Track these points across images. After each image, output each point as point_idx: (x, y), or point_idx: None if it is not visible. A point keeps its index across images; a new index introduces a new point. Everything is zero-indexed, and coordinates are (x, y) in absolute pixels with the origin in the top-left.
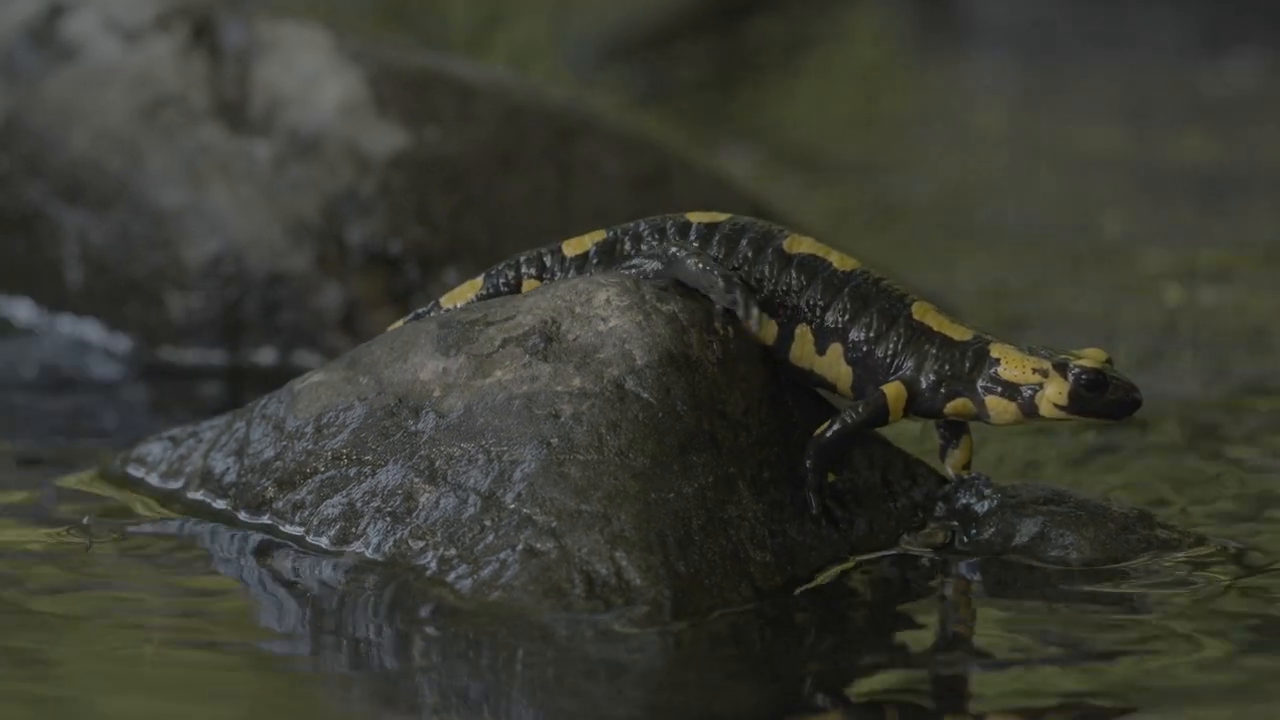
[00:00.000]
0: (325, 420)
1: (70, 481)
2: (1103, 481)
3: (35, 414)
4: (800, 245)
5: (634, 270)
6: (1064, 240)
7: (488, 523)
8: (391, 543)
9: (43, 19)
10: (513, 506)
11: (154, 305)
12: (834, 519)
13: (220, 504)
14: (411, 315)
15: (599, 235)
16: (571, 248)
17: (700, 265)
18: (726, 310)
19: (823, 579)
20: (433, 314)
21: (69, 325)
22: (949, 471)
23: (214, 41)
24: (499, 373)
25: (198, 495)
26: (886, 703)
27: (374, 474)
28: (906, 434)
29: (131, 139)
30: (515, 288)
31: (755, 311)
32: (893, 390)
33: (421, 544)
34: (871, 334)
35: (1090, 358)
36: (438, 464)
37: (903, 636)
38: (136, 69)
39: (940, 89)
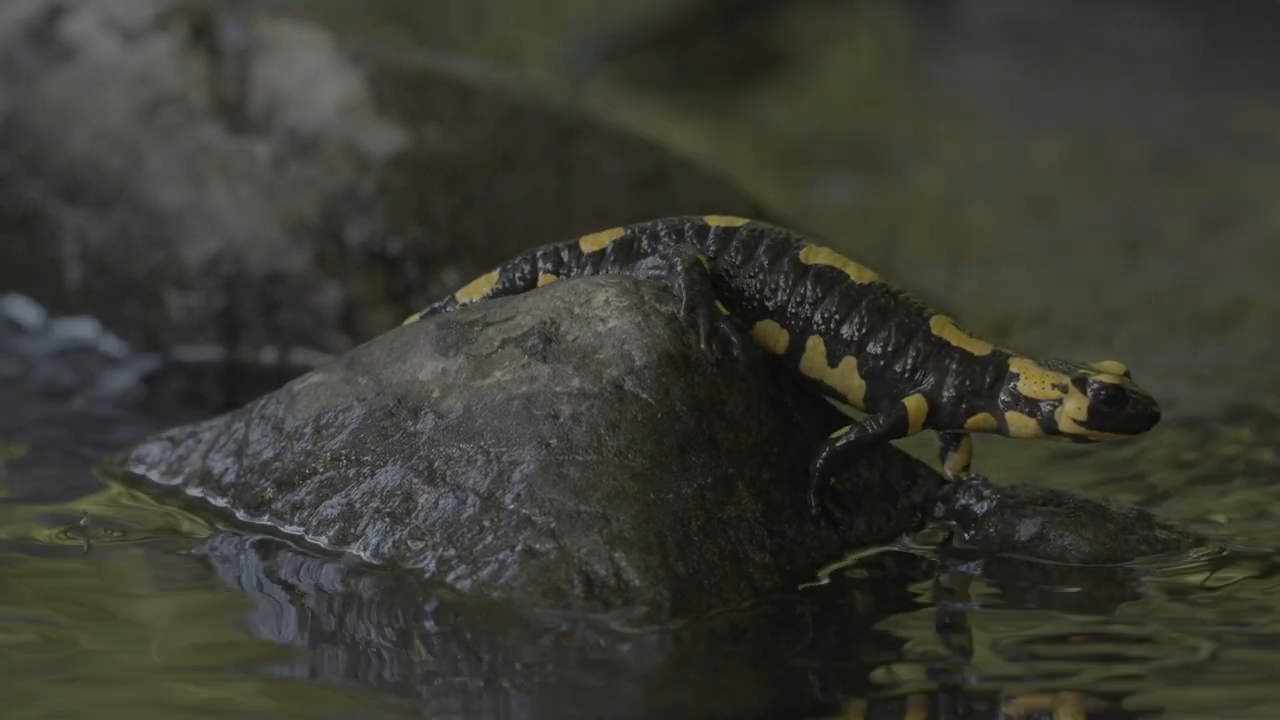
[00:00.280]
0: (324, 421)
1: (69, 482)
2: (1101, 482)
3: (34, 414)
4: (817, 256)
5: (654, 271)
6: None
7: (487, 523)
8: (390, 543)
9: (42, 19)
10: (512, 507)
11: (153, 305)
12: (833, 520)
13: (219, 504)
14: (428, 309)
15: (617, 233)
16: (589, 244)
17: (684, 282)
18: (691, 321)
19: (822, 579)
20: (449, 308)
21: (68, 325)
22: (948, 473)
23: (213, 41)
24: (498, 373)
25: (196, 495)
26: (885, 702)
27: (373, 475)
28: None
29: (131, 139)
30: (531, 283)
31: (713, 346)
32: (914, 404)
33: (420, 545)
34: (889, 348)
35: (1109, 371)
36: (437, 465)
37: (901, 636)
38: (136, 69)
39: (938, 90)
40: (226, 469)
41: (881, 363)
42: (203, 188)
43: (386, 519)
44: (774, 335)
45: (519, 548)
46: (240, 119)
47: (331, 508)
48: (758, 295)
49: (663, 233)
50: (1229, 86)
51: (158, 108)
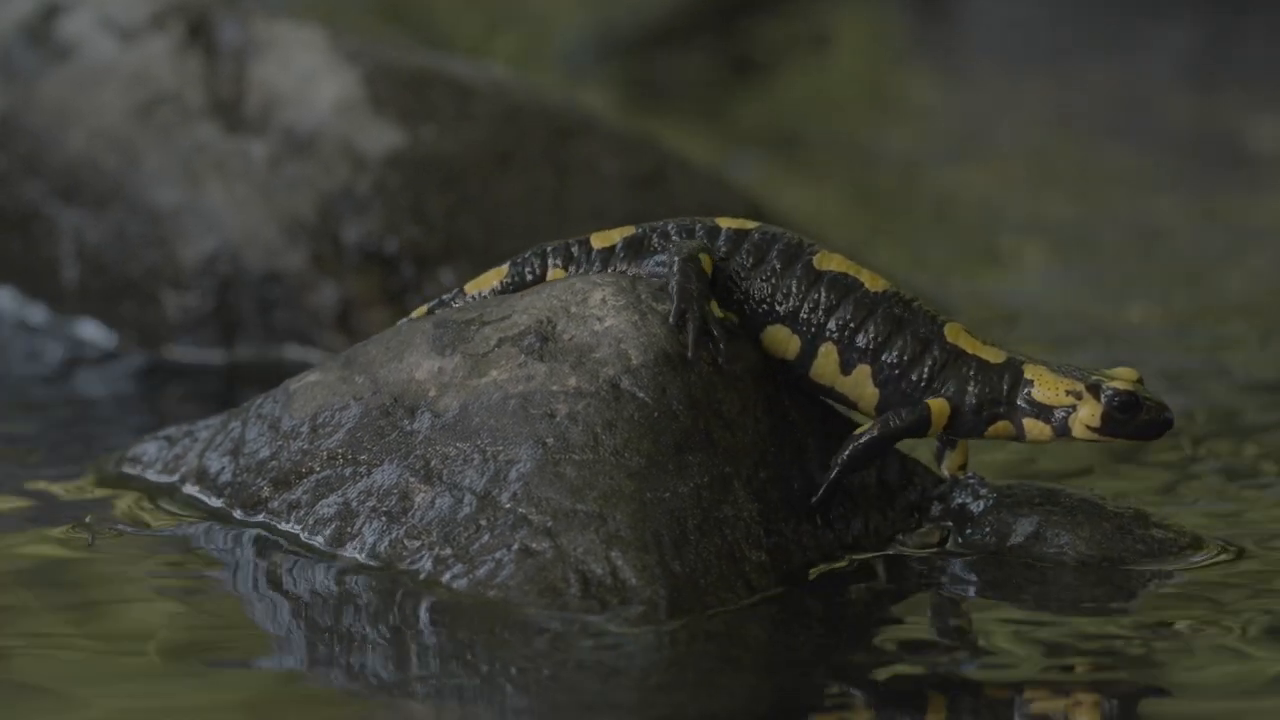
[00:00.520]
0: (321, 420)
1: (65, 481)
2: (1098, 481)
3: (30, 412)
4: (830, 262)
5: (658, 269)
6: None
7: (483, 522)
8: (387, 542)
9: (39, 18)
10: (508, 506)
11: (150, 304)
12: (828, 519)
13: (215, 503)
14: (435, 302)
15: (628, 231)
16: (600, 240)
17: (676, 284)
18: (679, 323)
19: (818, 578)
20: (456, 302)
21: (65, 324)
22: (944, 472)
23: (210, 40)
24: (495, 372)
25: (193, 494)
26: (882, 701)
27: (369, 474)
28: None
29: (127, 138)
30: (541, 277)
31: (701, 353)
32: (938, 405)
33: (417, 543)
34: (905, 357)
35: (1122, 378)
36: (433, 464)
37: (898, 635)
38: (132, 68)
39: (935, 89)
40: (223, 468)
41: (897, 371)
42: (199, 187)
43: (383, 518)
44: (784, 341)
45: (515, 547)
46: (237, 118)
47: (328, 507)
48: (768, 300)
49: (673, 232)
50: (1228, 84)
51: (154, 107)
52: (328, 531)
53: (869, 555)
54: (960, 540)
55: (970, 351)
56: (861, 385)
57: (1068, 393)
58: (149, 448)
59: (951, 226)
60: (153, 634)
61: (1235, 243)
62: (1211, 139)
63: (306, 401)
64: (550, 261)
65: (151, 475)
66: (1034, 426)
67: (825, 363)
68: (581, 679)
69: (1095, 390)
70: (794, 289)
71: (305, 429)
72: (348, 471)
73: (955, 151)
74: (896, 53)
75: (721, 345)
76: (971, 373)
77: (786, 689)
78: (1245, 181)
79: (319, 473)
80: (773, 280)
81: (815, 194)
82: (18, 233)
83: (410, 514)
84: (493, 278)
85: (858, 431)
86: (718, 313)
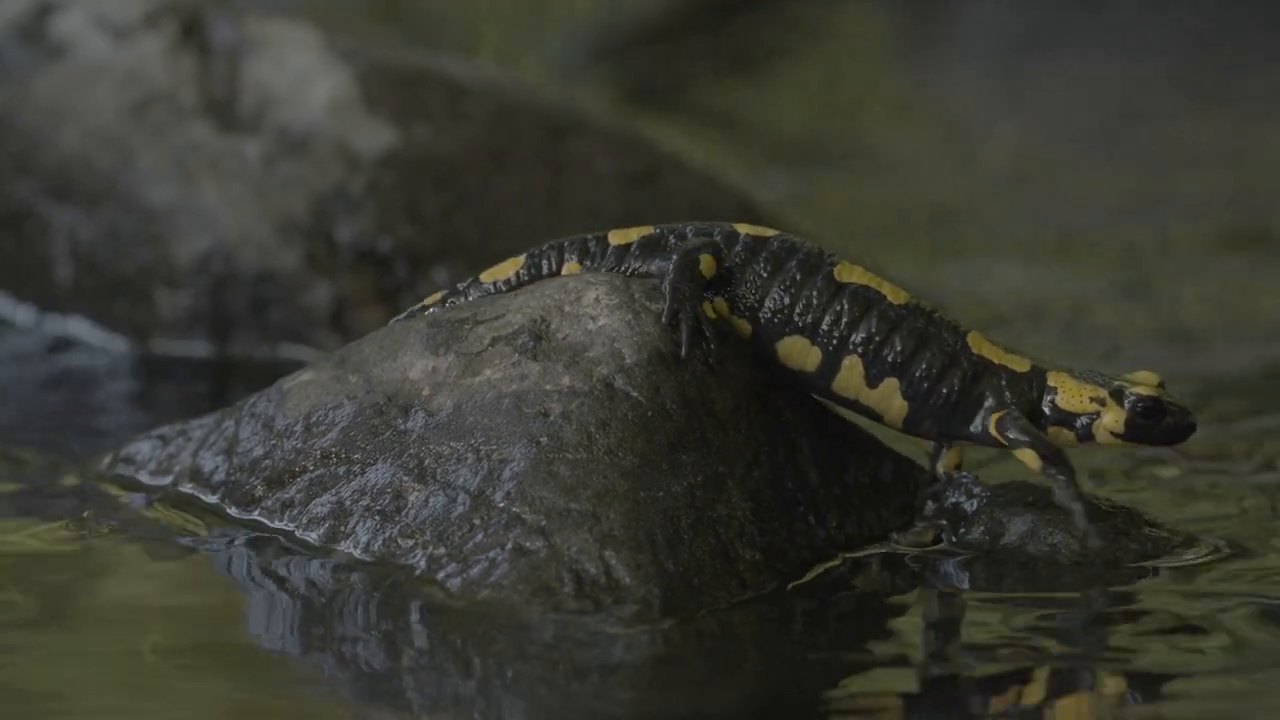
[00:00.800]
0: (314, 419)
1: (59, 480)
2: (1090, 481)
3: (24, 411)
4: (851, 274)
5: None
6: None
7: (477, 521)
8: (381, 541)
9: (32, 17)
10: (502, 505)
11: (143, 302)
12: (1098, 539)
13: (209, 502)
14: (448, 291)
15: (647, 231)
16: (617, 238)
17: (670, 285)
18: (671, 323)
19: (812, 577)
20: (471, 291)
21: (58, 322)
22: (939, 471)
23: (203, 39)
24: (488, 371)
25: (187, 493)
26: (876, 701)
27: (363, 472)
28: (895, 433)
29: (121, 137)
30: (556, 271)
31: (694, 352)
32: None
33: (411, 542)
34: (934, 370)
35: (1144, 383)
36: (427, 463)
37: (892, 635)
38: (126, 67)
39: (928, 89)
40: (217, 467)
41: (926, 385)
42: (193, 186)
43: (376, 517)
44: (803, 352)
45: (509, 546)
46: (230, 117)
47: (321, 506)
48: (786, 310)
49: (690, 234)
50: (1222, 83)
51: (148, 106)
52: (321, 530)
53: (863, 554)
54: (954, 539)
55: (997, 361)
56: (889, 398)
57: (1091, 399)
58: (143, 446)
59: (942, 224)
60: (147, 632)
61: (1231, 244)
62: (1209, 138)
63: (300, 400)
64: (567, 256)
65: (145, 474)
66: (1058, 433)
67: (849, 376)
68: (575, 678)
69: (1119, 396)
70: (814, 300)
71: (299, 428)
72: (341, 470)
73: (947, 149)
74: (890, 51)
75: (713, 346)
76: (1004, 383)
77: (780, 688)
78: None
79: (313, 472)
80: (791, 291)
81: (808, 191)
82: (11, 231)
83: (404, 513)
84: (509, 268)
85: (1055, 496)
86: (711, 314)
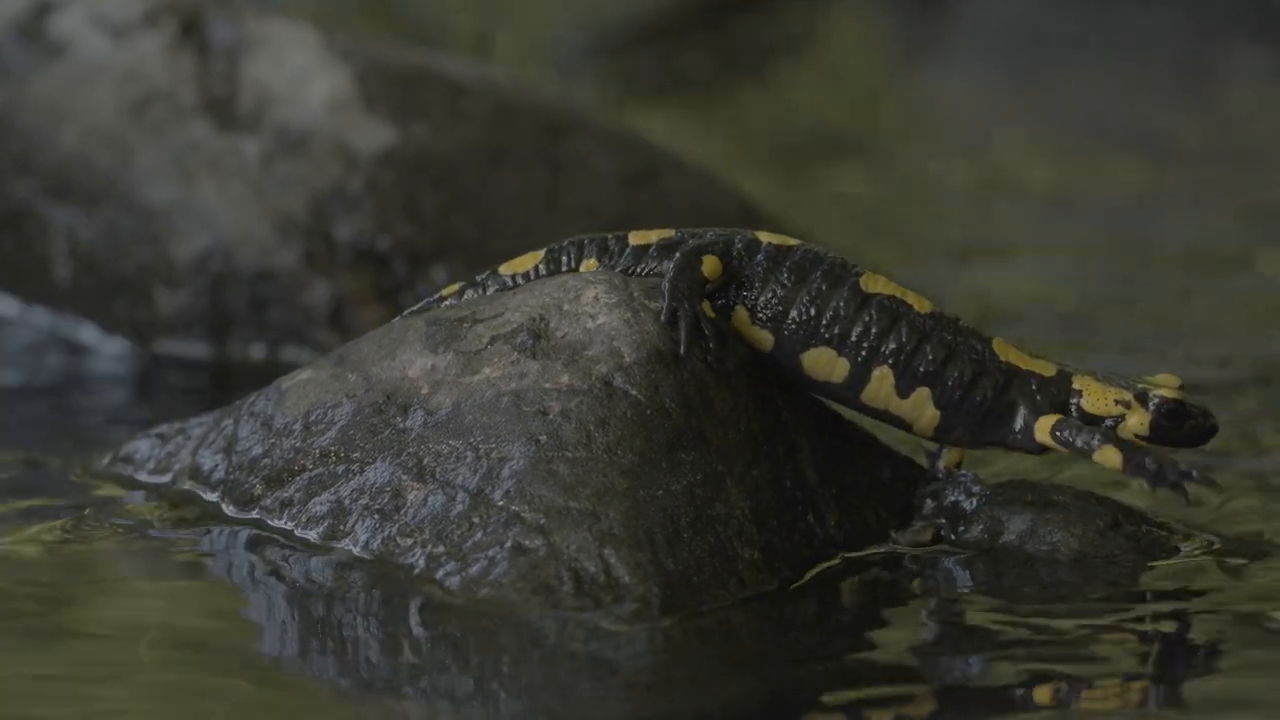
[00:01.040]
0: (313, 418)
1: (57, 478)
2: (1091, 478)
3: (23, 410)
4: (876, 284)
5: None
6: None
7: (476, 520)
8: (380, 540)
9: (31, 15)
10: (501, 504)
11: (142, 302)
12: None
13: (208, 500)
14: (466, 284)
15: (667, 233)
16: (637, 238)
17: (669, 283)
18: (670, 321)
19: (811, 576)
20: (489, 283)
21: (57, 322)
22: (940, 469)
23: (202, 38)
24: (487, 370)
25: (186, 492)
26: (875, 699)
27: (362, 471)
28: (894, 432)
29: (120, 136)
30: (575, 267)
31: (693, 350)
32: (1050, 420)
33: (410, 541)
34: (966, 378)
35: (1166, 385)
36: (426, 461)
37: (891, 633)
38: (125, 66)
39: (928, 88)
40: (215, 466)
41: (958, 394)
42: (192, 185)
43: (375, 516)
44: (829, 364)
45: (508, 544)
46: (229, 116)
47: (320, 504)
48: (812, 322)
49: (709, 238)
50: (1221, 78)
51: (147, 105)
52: (320, 529)
53: (862, 553)
54: (953, 538)
55: (1024, 367)
56: (921, 408)
57: (1116, 402)
58: (141, 445)
59: (943, 224)
60: (146, 630)
61: (1233, 234)
62: (1210, 134)
63: (299, 399)
64: (586, 253)
65: (144, 473)
66: None
67: (879, 386)
68: (574, 677)
69: (1143, 399)
70: (841, 311)
71: (298, 427)
72: (340, 469)
73: (948, 149)
74: (890, 50)
75: (712, 344)
76: (1034, 388)
77: (779, 686)
78: (1246, 180)
79: (311, 470)
80: (818, 302)
81: (809, 190)
82: (10, 231)
83: (403, 512)
84: (529, 261)
85: (1119, 469)
86: (711, 313)
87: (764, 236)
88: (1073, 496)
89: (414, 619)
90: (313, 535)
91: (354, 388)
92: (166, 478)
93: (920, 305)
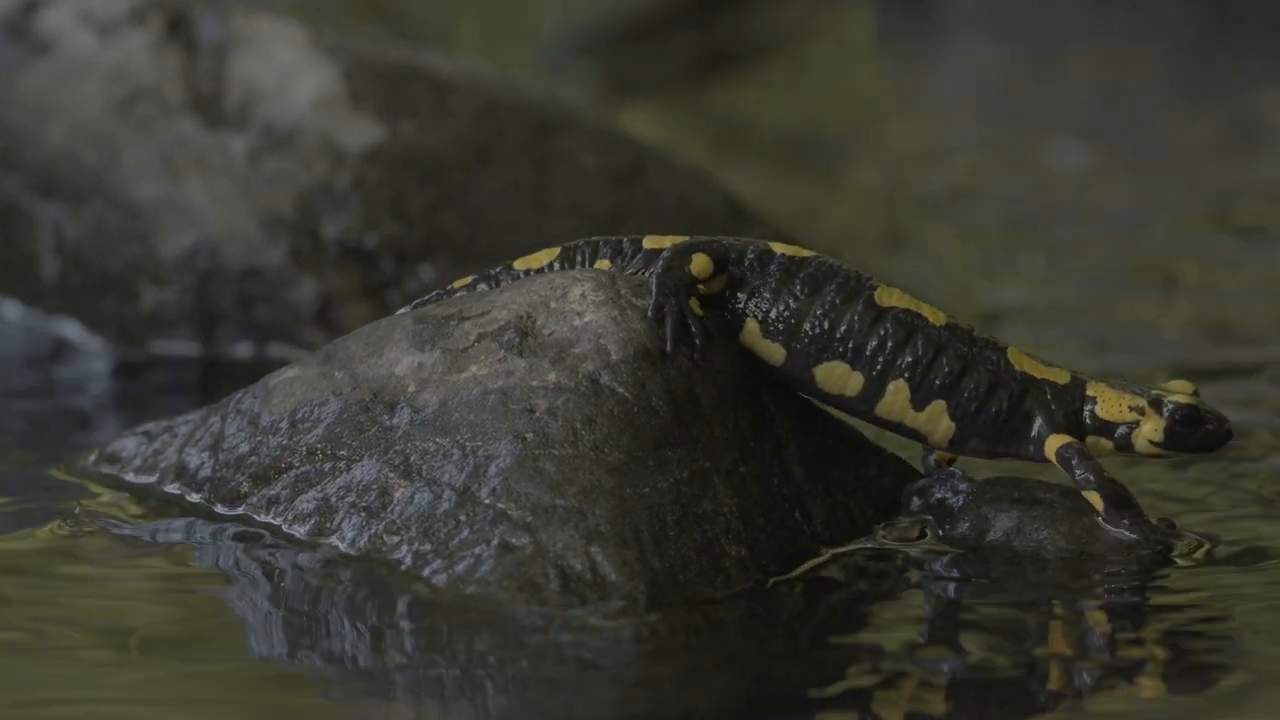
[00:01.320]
0: (300, 415)
1: (44, 476)
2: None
3: (9, 408)
4: (891, 298)
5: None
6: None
7: (462, 518)
8: (366, 538)
9: (18, 12)
10: (487, 501)
11: (129, 299)
12: (1159, 535)
13: (195, 498)
14: (476, 277)
15: (680, 239)
16: (651, 242)
17: (657, 279)
18: (656, 317)
19: (797, 573)
20: (503, 276)
21: (44, 319)
22: (931, 465)
23: (189, 35)
24: (474, 368)
25: (172, 490)
26: (862, 696)
27: (349, 469)
28: (881, 430)
29: (107, 133)
30: (589, 267)
31: (679, 347)
32: (1062, 439)
33: (396, 539)
34: (982, 389)
35: (1179, 391)
36: (412, 459)
37: (877, 630)
38: (112, 63)
39: (916, 84)
40: (202, 463)
41: (974, 406)
42: (179, 182)
43: (362, 513)
44: (843, 378)
45: (495, 542)
46: (216, 113)
47: (307, 502)
48: (825, 336)
49: (704, 240)
50: (1212, 72)
51: (134, 102)
52: (307, 527)
53: (849, 550)
54: (940, 535)
55: (1039, 376)
56: (936, 420)
57: (1130, 408)
58: (128, 443)
59: (931, 222)
60: (133, 628)
61: (1223, 234)
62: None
63: (286, 397)
64: (600, 254)
65: (131, 471)
66: (1097, 443)
67: (894, 400)
68: (561, 674)
69: (1157, 405)
70: (856, 325)
71: (284, 424)
72: (327, 467)
73: (936, 145)
74: (878, 46)
75: (698, 342)
76: (1049, 397)
77: (766, 683)
78: (1236, 174)
79: (298, 468)
80: (831, 316)
81: (796, 187)
82: None
83: (389, 509)
84: (544, 258)
85: (1098, 513)
86: (698, 311)
87: (777, 247)
88: (1060, 494)
89: (401, 616)
90: (299, 532)
91: (341, 385)
92: (153, 476)
93: (935, 318)
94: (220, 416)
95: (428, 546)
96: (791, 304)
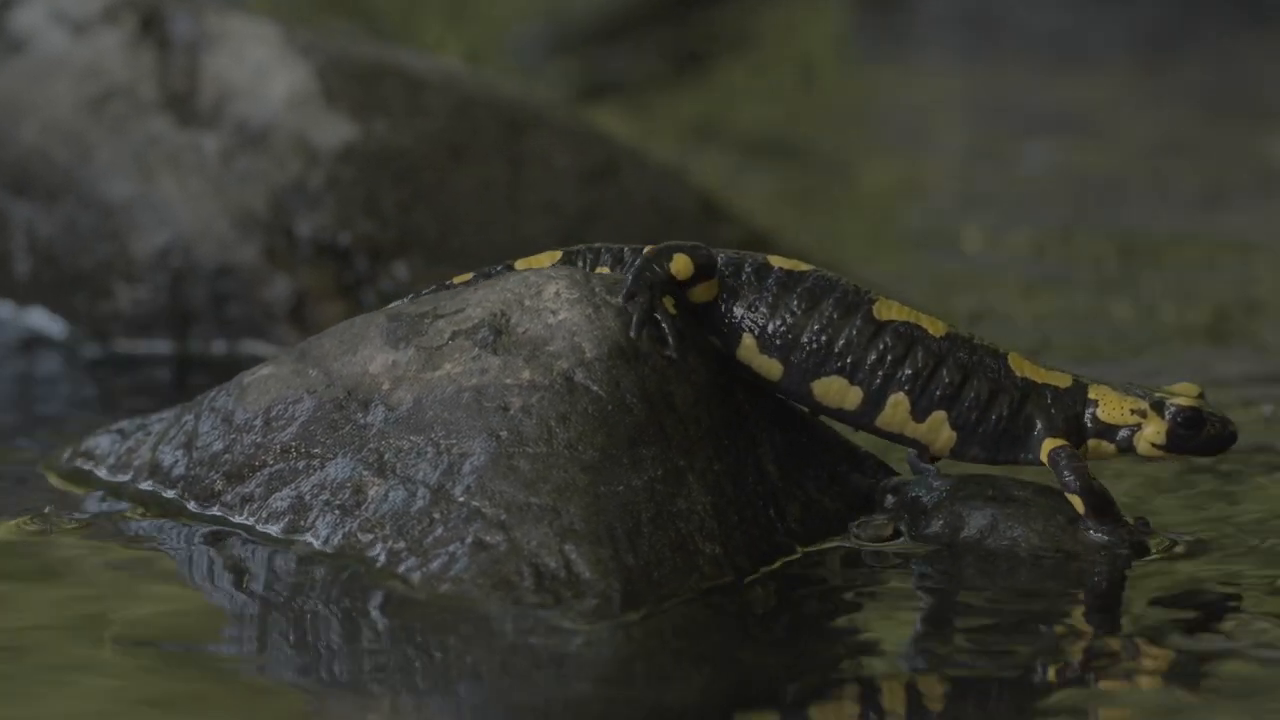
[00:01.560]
0: (274, 413)
1: (16, 475)
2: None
3: None
4: (890, 311)
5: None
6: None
7: (437, 515)
8: (340, 535)
9: None
10: (462, 499)
11: (102, 297)
12: (1129, 530)
13: (169, 496)
14: (477, 274)
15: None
16: (653, 251)
17: (634, 271)
18: (626, 300)
19: (771, 571)
20: (504, 275)
21: (17, 317)
22: (918, 464)
23: (162, 33)
24: (448, 366)
25: (146, 488)
26: (836, 694)
27: (323, 467)
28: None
29: (80, 131)
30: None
31: (643, 333)
32: (1059, 443)
33: (370, 537)
34: (982, 398)
35: (1184, 394)
36: (387, 457)
37: (851, 628)
38: (85, 61)
39: (887, 82)
40: (176, 461)
41: (974, 415)
42: (152, 180)
43: (336, 511)
44: (841, 392)
45: (469, 540)
46: (189, 112)
47: (281, 500)
48: (822, 351)
49: (720, 261)
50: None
51: (107, 100)
52: (281, 525)
53: (822, 548)
54: (914, 533)
55: (1040, 381)
56: (937, 430)
57: (1133, 411)
58: (102, 441)
59: (893, 217)
60: (105, 626)
61: (1178, 222)
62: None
63: (260, 395)
64: (601, 260)
65: (105, 469)
66: (1099, 446)
67: (894, 412)
68: (535, 672)
69: (1160, 408)
70: (854, 340)
71: (259, 422)
72: (301, 465)
73: (900, 143)
74: (849, 45)
75: (671, 340)
76: (1049, 401)
77: (740, 681)
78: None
79: (272, 466)
80: (829, 331)
81: (769, 184)
82: None
83: (363, 507)
84: (545, 260)
85: (1081, 514)
86: (671, 309)
87: (775, 261)
88: (1034, 492)
89: (375, 614)
90: (274, 531)
91: (315, 383)
92: (127, 474)
93: (935, 328)
94: (194, 414)
95: (402, 544)
96: (789, 319)
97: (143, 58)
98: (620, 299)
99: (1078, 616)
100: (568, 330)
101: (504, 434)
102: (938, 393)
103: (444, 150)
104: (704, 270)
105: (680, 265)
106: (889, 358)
